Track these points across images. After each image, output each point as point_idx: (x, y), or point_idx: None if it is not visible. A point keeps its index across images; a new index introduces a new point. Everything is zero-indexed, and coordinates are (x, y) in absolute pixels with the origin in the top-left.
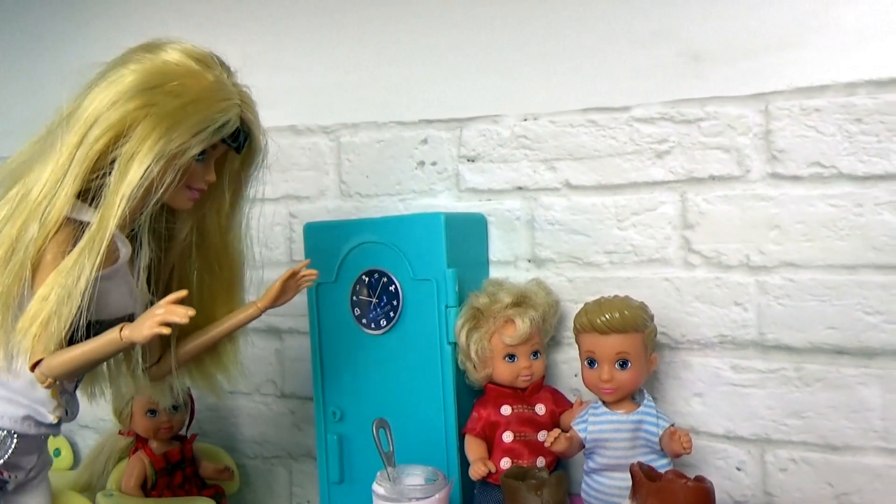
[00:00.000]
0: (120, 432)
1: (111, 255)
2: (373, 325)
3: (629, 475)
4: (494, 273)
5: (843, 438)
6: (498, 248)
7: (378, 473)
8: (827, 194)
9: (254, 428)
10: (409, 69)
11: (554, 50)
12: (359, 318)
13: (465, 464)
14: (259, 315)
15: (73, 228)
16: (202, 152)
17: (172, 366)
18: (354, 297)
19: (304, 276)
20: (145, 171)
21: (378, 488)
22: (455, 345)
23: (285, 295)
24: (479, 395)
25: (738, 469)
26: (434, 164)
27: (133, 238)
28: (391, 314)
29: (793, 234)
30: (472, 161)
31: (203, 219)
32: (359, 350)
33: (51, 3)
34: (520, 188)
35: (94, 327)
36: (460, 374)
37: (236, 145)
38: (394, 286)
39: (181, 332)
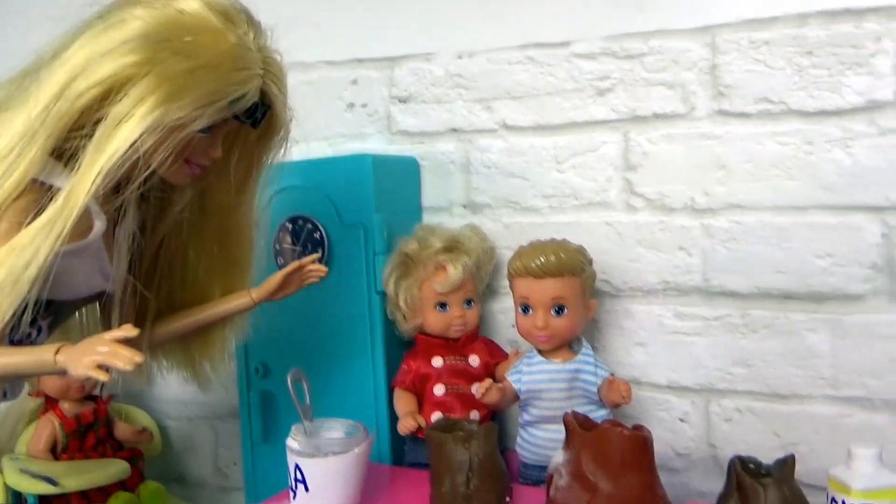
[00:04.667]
0: (29, 393)
1: (81, 228)
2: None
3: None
4: (428, 220)
5: (790, 387)
6: (431, 193)
7: (293, 427)
8: (775, 132)
9: (176, 387)
10: (338, 5)
11: None
12: (282, 268)
13: (394, 418)
14: (252, 307)
15: (40, 193)
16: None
17: (144, 345)
18: (277, 246)
19: (311, 270)
20: (133, 142)
21: (292, 443)
22: (384, 294)
23: (286, 289)
24: (409, 347)
25: (682, 420)
26: (364, 105)
27: (116, 210)
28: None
29: (740, 175)
30: (405, 102)
31: (204, 195)
32: (282, 302)
33: None
34: (454, 130)
35: (50, 307)
36: (389, 325)
37: (251, 121)
38: (319, 233)
39: (167, 308)
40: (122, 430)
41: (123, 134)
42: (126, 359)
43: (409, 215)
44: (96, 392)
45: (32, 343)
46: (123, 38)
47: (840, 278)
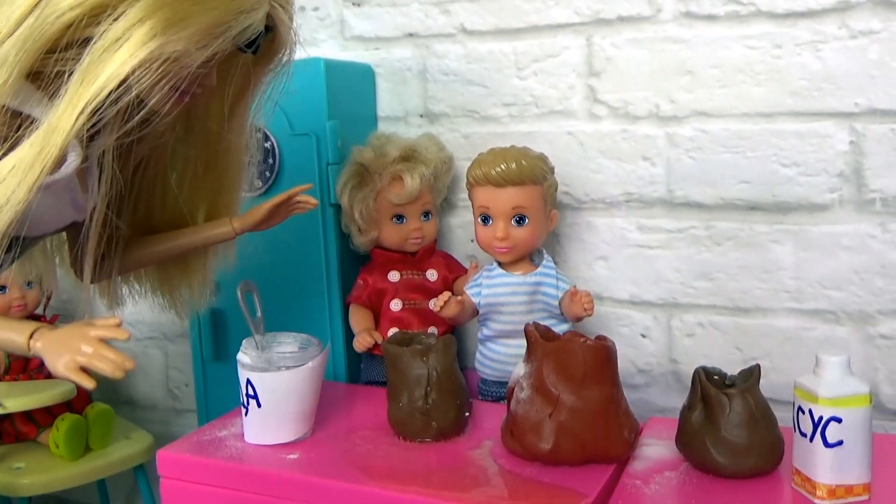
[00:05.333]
0: None
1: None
2: (247, 187)
3: (525, 341)
4: (383, 130)
5: (753, 300)
6: (387, 102)
7: (244, 341)
8: (744, 35)
9: (125, 307)
10: None
11: None
12: None
13: (349, 335)
14: (233, 238)
15: (11, 123)
16: None
17: (115, 271)
18: None
19: (301, 201)
20: (124, 78)
21: (243, 357)
22: (338, 206)
23: (272, 220)
24: (364, 262)
25: (643, 336)
26: (316, 9)
27: (90, 136)
28: (267, 174)
29: (706, 81)
30: (358, 5)
31: (191, 119)
32: None
33: None
34: (411, 35)
35: (14, 243)
36: (344, 239)
37: (252, 49)
38: (269, 142)
39: (142, 230)
40: None
41: (113, 66)
42: (114, 365)
43: (364, 125)
44: (39, 311)
45: None
46: None
47: (806, 188)
